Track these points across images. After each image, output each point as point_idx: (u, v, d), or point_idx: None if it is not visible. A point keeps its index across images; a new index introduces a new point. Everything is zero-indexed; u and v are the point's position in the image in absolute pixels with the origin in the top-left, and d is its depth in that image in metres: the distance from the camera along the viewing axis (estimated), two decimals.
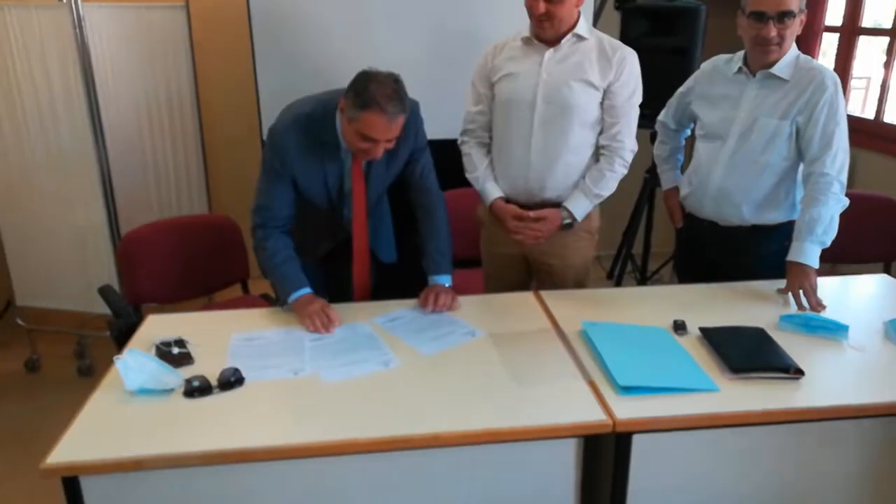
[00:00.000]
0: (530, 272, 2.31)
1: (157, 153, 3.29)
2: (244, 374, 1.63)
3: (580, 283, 2.26)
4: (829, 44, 3.63)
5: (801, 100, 2.03)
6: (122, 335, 2.02)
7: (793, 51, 2.07)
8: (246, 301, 2.60)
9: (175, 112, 3.32)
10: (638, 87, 2.13)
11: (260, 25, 2.70)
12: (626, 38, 3.35)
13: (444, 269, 2.06)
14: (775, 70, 2.05)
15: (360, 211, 2.07)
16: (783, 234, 2.12)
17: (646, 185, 3.56)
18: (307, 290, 1.95)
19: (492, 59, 2.15)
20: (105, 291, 2.28)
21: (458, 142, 2.26)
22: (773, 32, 1.98)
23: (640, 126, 3.31)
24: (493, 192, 2.18)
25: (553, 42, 2.06)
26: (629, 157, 2.14)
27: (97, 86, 2.82)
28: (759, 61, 2.08)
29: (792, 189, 2.15)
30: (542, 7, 1.96)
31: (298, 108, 1.97)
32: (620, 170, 2.14)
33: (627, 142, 2.12)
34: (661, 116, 2.47)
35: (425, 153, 2.11)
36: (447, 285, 2.04)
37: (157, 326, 1.89)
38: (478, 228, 2.37)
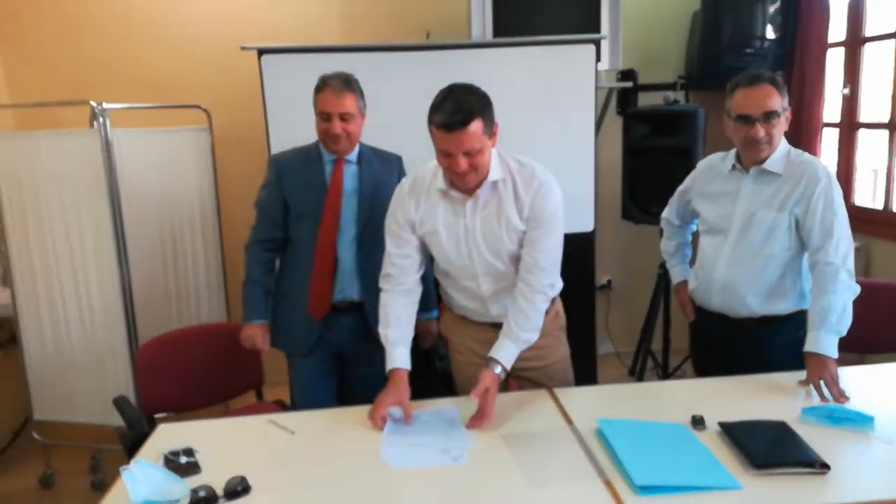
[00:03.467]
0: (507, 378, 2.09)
1: (179, 266, 3.39)
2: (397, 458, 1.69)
3: (567, 381, 2.20)
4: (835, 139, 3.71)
5: (797, 192, 2.07)
6: (133, 447, 2.00)
7: (783, 145, 2.13)
8: (260, 408, 2.59)
9: (197, 227, 3.45)
10: (557, 213, 1.96)
11: (277, 145, 2.83)
12: (628, 141, 3.48)
13: (430, 305, 2.39)
14: (768, 165, 2.10)
15: (332, 203, 2.26)
16: (795, 324, 2.11)
17: (660, 280, 3.57)
18: (264, 321, 2.36)
19: (413, 211, 2.00)
20: (119, 403, 2.28)
21: (380, 285, 2.07)
22: (762, 133, 2.04)
23: (648, 223, 3.42)
24: (400, 360, 1.94)
25: (470, 191, 1.95)
26: (550, 292, 2.01)
27: (122, 206, 2.95)
28: (750, 160, 2.13)
29: (798, 279, 2.15)
30: (464, 164, 1.82)
31: None
32: (543, 306, 1.98)
33: (545, 275, 1.97)
34: (664, 213, 2.52)
35: None
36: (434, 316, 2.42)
37: (168, 436, 1.88)
38: None
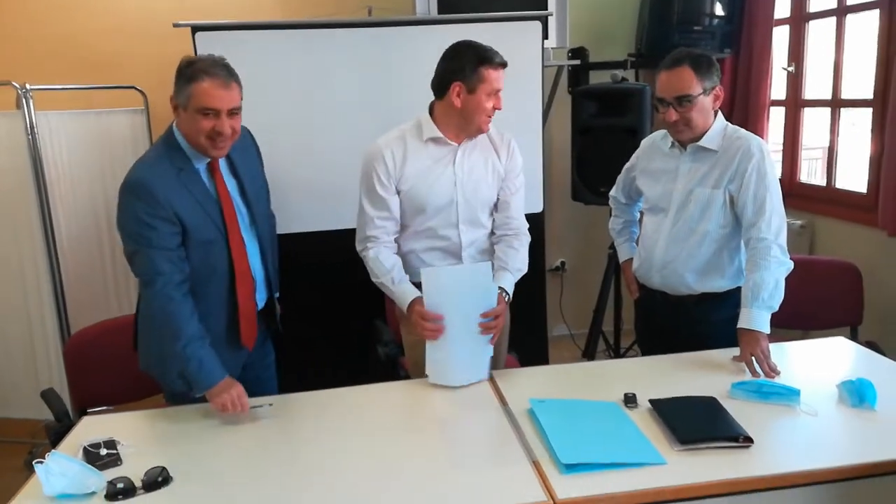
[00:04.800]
0: None
1: (117, 253, 3.28)
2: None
3: (503, 353, 2.29)
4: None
5: (731, 169, 2.07)
6: (58, 439, 1.94)
7: (720, 122, 2.12)
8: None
9: None
10: (522, 168, 2.22)
11: None
12: (577, 120, 3.46)
13: (277, 285, 2.21)
14: (704, 142, 2.10)
15: (231, 219, 1.94)
16: (733, 301, 2.10)
17: (611, 261, 3.57)
18: (226, 376, 1.86)
19: (398, 168, 2.07)
20: (47, 395, 2.20)
21: (359, 249, 2.13)
22: (675, 116, 2.04)
23: (597, 203, 3.41)
24: (412, 294, 2.04)
25: (460, 139, 2.11)
26: (529, 235, 2.23)
27: (48, 189, 2.85)
28: (677, 139, 2.14)
29: (735, 256, 2.16)
30: (487, 120, 2.05)
31: (140, 160, 1.91)
32: (527, 242, 2.20)
33: (524, 221, 2.21)
34: (612, 192, 2.52)
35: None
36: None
37: (91, 428, 1.82)
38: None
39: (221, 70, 1.82)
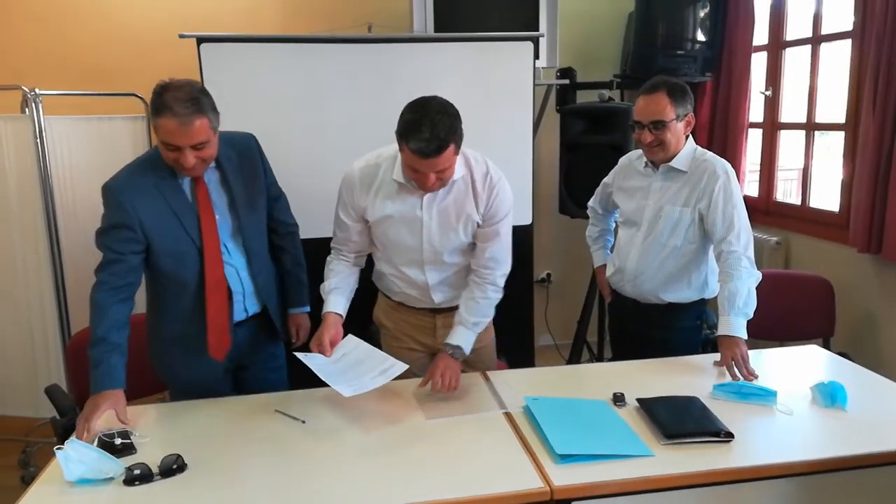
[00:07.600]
0: None
1: None
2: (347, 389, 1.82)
3: (493, 363, 2.33)
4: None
5: (699, 189, 2.23)
6: (66, 433, 1.99)
7: (690, 145, 2.28)
8: None
9: None
10: (511, 210, 2.08)
11: None
12: (565, 137, 3.59)
13: (305, 299, 2.26)
14: (674, 163, 2.26)
15: (209, 230, 1.94)
16: (696, 311, 2.32)
17: (595, 273, 3.68)
18: (109, 389, 1.82)
19: (364, 199, 2.04)
20: (51, 391, 2.26)
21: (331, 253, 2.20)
22: (649, 138, 2.20)
23: (583, 217, 3.52)
24: (333, 306, 2.07)
25: None
26: (502, 282, 2.12)
27: (54, 190, 2.90)
28: (651, 159, 2.29)
29: (703, 270, 2.32)
30: (433, 180, 1.88)
31: (127, 165, 1.95)
32: (494, 296, 2.10)
33: (500, 267, 2.09)
34: (590, 202, 2.68)
35: (278, 188, 2.22)
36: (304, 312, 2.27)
37: (102, 420, 1.87)
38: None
39: (186, 107, 1.75)
